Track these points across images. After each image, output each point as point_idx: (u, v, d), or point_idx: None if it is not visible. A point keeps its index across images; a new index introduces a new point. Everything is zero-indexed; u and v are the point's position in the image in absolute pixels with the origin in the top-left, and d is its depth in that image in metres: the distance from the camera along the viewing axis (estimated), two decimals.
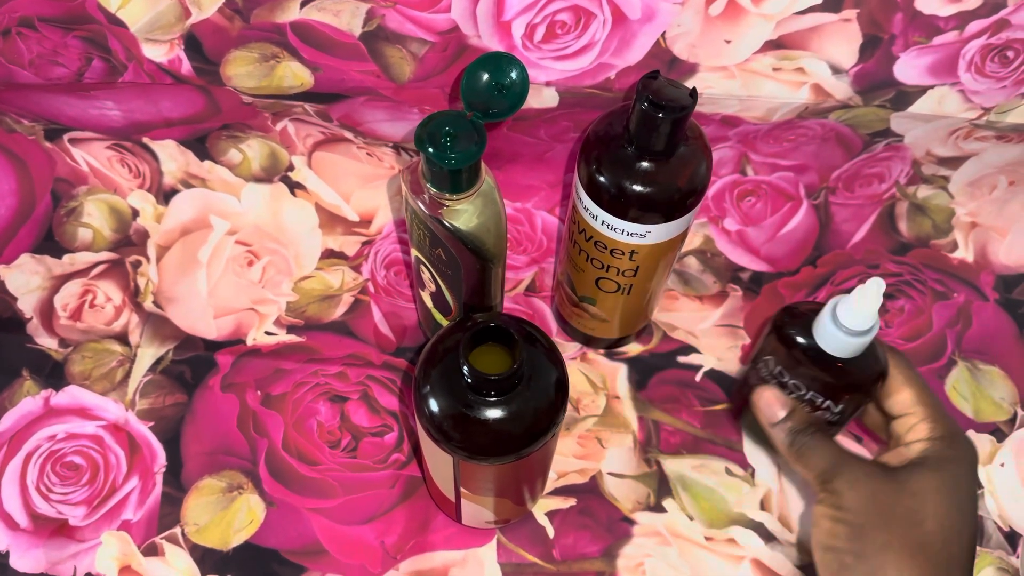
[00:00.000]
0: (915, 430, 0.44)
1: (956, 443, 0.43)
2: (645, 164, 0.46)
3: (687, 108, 0.43)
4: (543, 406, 0.44)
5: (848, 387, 0.44)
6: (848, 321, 0.41)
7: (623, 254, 0.50)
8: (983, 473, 0.58)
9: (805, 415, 0.46)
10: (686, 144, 0.46)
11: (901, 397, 0.45)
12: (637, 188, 0.46)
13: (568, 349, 0.61)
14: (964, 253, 0.66)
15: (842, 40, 0.53)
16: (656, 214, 0.47)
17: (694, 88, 0.44)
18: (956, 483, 0.42)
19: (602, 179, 0.47)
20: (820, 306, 0.44)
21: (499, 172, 0.63)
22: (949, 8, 0.51)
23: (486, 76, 0.44)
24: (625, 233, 0.48)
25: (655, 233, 0.48)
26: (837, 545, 0.42)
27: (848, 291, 0.43)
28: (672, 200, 0.47)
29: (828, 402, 0.45)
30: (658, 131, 0.44)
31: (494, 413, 0.43)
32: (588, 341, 0.61)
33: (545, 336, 0.46)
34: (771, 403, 0.46)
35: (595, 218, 0.48)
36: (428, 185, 0.45)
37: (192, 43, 0.52)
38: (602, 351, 0.61)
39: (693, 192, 0.47)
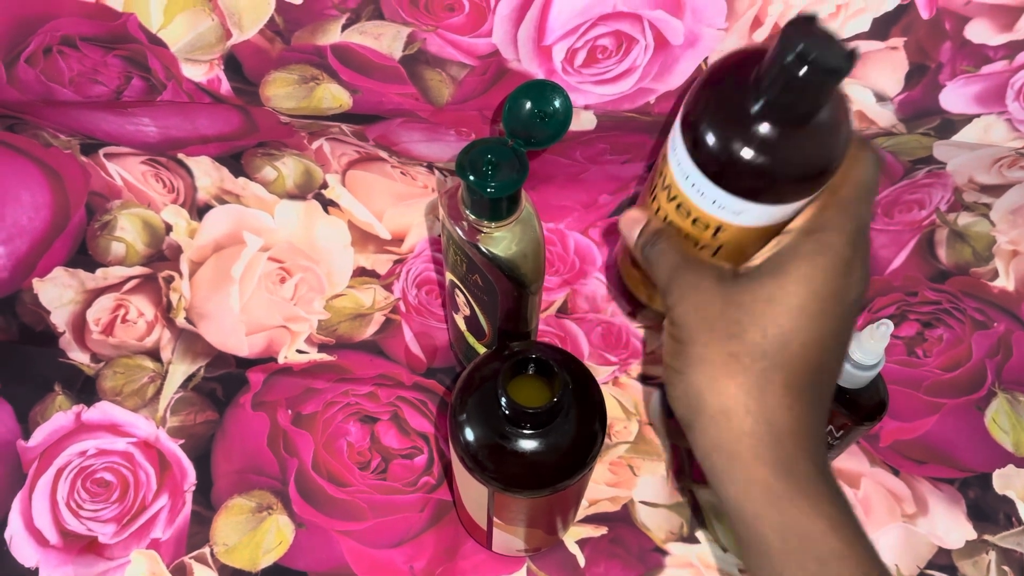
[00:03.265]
0: (804, 215, 0.39)
1: (829, 235, 0.37)
2: (769, 129, 0.36)
3: (841, 71, 0.34)
4: (581, 439, 0.43)
5: (851, 414, 0.48)
6: (857, 356, 0.45)
7: (706, 227, 0.41)
8: (1022, 510, 0.57)
9: (657, 225, 0.42)
10: (820, 115, 0.37)
11: (833, 180, 0.38)
12: (749, 156, 0.37)
13: (600, 374, 0.60)
14: (1005, 282, 0.65)
15: (888, 68, 0.52)
16: (763, 192, 0.38)
17: (853, 50, 0.34)
18: (806, 286, 0.36)
19: (710, 133, 0.38)
20: None
21: (532, 192, 0.63)
22: (999, 37, 0.50)
23: (529, 104, 0.43)
24: (717, 205, 0.39)
25: (751, 214, 0.39)
26: (667, 362, 0.39)
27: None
28: (789, 180, 0.38)
29: (830, 427, 0.49)
30: (798, 93, 0.35)
31: (531, 445, 0.42)
32: (641, 307, 0.53)
33: (583, 367, 0.46)
34: (629, 223, 0.43)
35: (686, 177, 0.40)
36: (467, 212, 0.44)
37: (232, 64, 0.52)
38: (635, 378, 0.60)
39: (818, 175, 0.38)
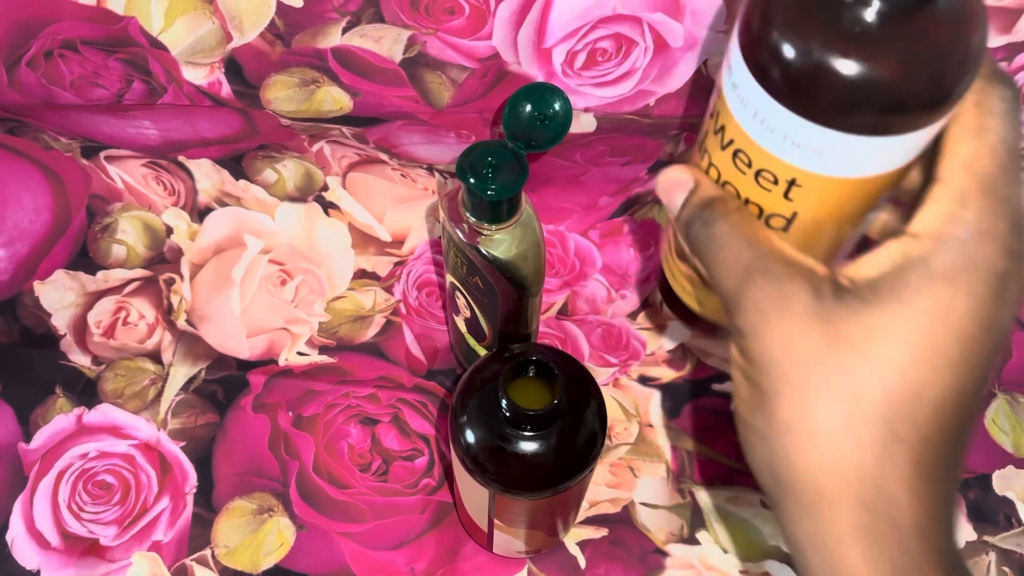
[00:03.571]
0: (935, 209, 0.26)
1: (976, 244, 0.25)
2: (869, 14, 0.25)
3: None
4: (581, 441, 0.43)
5: None
6: None
7: (775, 183, 0.29)
8: (1022, 511, 0.57)
9: (710, 192, 0.30)
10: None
11: (964, 147, 0.26)
12: (838, 58, 0.25)
13: (601, 375, 0.61)
14: None
15: None
16: (856, 113, 0.26)
17: None
18: (945, 320, 0.25)
19: (781, 34, 0.26)
20: None
21: (532, 194, 0.63)
22: (998, 40, 0.50)
23: (529, 107, 0.43)
24: (790, 140, 0.27)
25: (838, 154, 0.27)
26: (742, 414, 0.29)
27: None
28: (896, 93, 0.25)
29: None
30: None
31: (531, 447, 0.43)
32: (691, 320, 0.38)
33: (583, 368, 0.46)
34: (670, 185, 0.31)
35: (745, 105, 0.28)
36: (467, 214, 0.44)
37: (232, 67, 0.52)
38: (635, 380, 0.60)
39: (937, 97, 0.26)
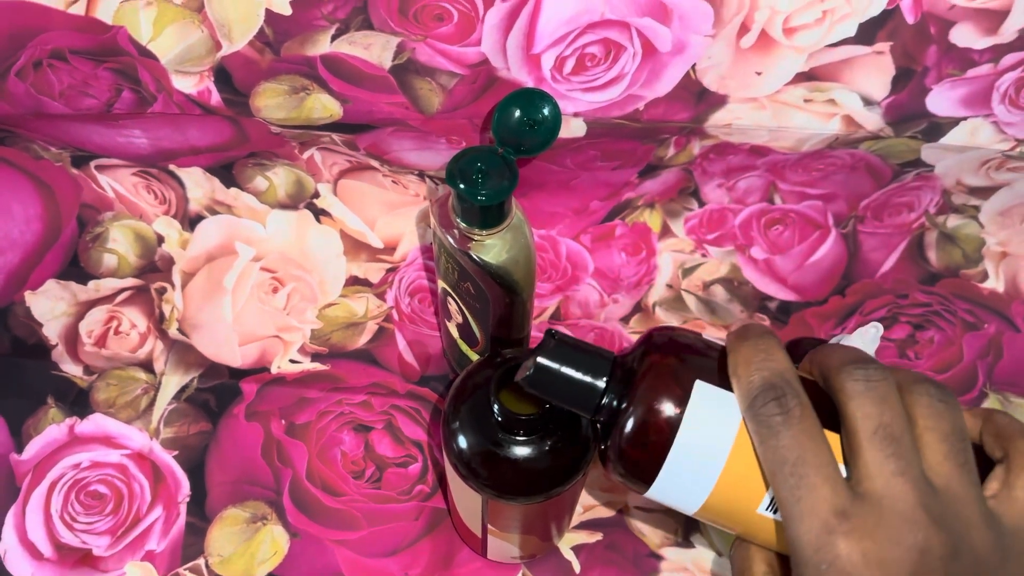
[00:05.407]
0: None
1: None
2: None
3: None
4: (574, 446, 0.43)
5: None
6: None
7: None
8: None
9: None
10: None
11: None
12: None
13: None
14: (995, 283, 0.65)
15: (875, 72, 0.52)
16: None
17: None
18: None
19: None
20: (819, 343, 0.46)
21: (523, 199, 0.63)
22: (984, 41, 0.50)
23: (518, 112, 0.44)
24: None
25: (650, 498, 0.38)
26: None
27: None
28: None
29: None
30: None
31: (524, 452, 0.42)
32: None
33: None
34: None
35: None
36: (458, 220, 0.44)
37: (222, 75, 0.52)
38: None
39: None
